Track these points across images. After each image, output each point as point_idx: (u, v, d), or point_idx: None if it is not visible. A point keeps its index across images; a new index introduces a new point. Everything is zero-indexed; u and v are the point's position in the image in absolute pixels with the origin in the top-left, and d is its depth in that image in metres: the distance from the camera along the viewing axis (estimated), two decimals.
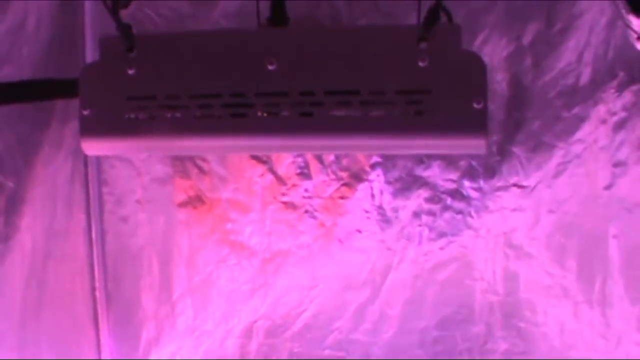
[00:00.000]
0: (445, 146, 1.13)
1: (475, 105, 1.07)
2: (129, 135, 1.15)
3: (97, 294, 2.01)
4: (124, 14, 1.81)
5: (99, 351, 2.02)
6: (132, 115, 1.14)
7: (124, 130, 1.15)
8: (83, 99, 1.15)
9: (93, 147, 1.20)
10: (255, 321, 1.98)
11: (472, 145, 1.10)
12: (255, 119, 1.10)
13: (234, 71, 1.11)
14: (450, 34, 1.09)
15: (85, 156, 1.94)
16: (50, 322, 1.85)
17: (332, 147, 1.15)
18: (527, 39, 1.77)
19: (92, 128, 1.16)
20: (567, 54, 1.75)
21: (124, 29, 1.12)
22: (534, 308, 1.86)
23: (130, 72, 1.13)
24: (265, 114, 1.10)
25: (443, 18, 1.10)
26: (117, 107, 1.14)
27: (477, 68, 1.07)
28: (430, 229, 1.88)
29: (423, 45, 1.07)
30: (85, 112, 1.15)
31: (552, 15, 1.75)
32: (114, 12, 1.11)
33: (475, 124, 1.07)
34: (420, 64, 1.07)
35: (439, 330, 1.91)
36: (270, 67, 1.09)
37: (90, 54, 1.88)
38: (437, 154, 1.77)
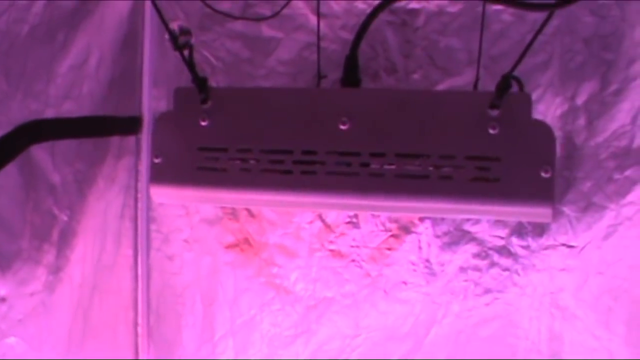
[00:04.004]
0: (511, 213, 1.13)
1: (543, 174, 1.07)
2: (198, 186, 1.17)
3: (139, 329, 2.02)
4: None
5: None
6: (203, 166, 1.16)
7: (194, 180, 1.17)
8: (155, 147, 1.17)
9: (161, 195, 1.22)
10: None
11: (538, 214, 1.10)
12: (325, 176, 1.12)
13: (306, 128, 1.13)
14: (521, 102, 1.10)
15: (136, 192, 1.96)
16: (92, 354, 1.86)
17: (398, 208, 1.16)
18: (581, 99, 1.76)
19: (162, 176, 1.18)
20: (621, 116, 1.74)
21: (200, 82, 1.14)
22: None
23: (203, 123, 1.16)
24: (335, 173, 1.11)
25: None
26: (188, 157, 1.16)
27: (546, 138, 1.08)
28: (476, 284, 1.86)
29: (494, 112, 1.08)
30: (157, 160, 1.17)
31: (607, 76, 1.74)
32: (190, 65, 1.13)
33: (543, 193, 1.08)
34: (491, 131, 1.08)
35: None
36: (342, 127, 1.11)
37: (147, 94, 1.92)
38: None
